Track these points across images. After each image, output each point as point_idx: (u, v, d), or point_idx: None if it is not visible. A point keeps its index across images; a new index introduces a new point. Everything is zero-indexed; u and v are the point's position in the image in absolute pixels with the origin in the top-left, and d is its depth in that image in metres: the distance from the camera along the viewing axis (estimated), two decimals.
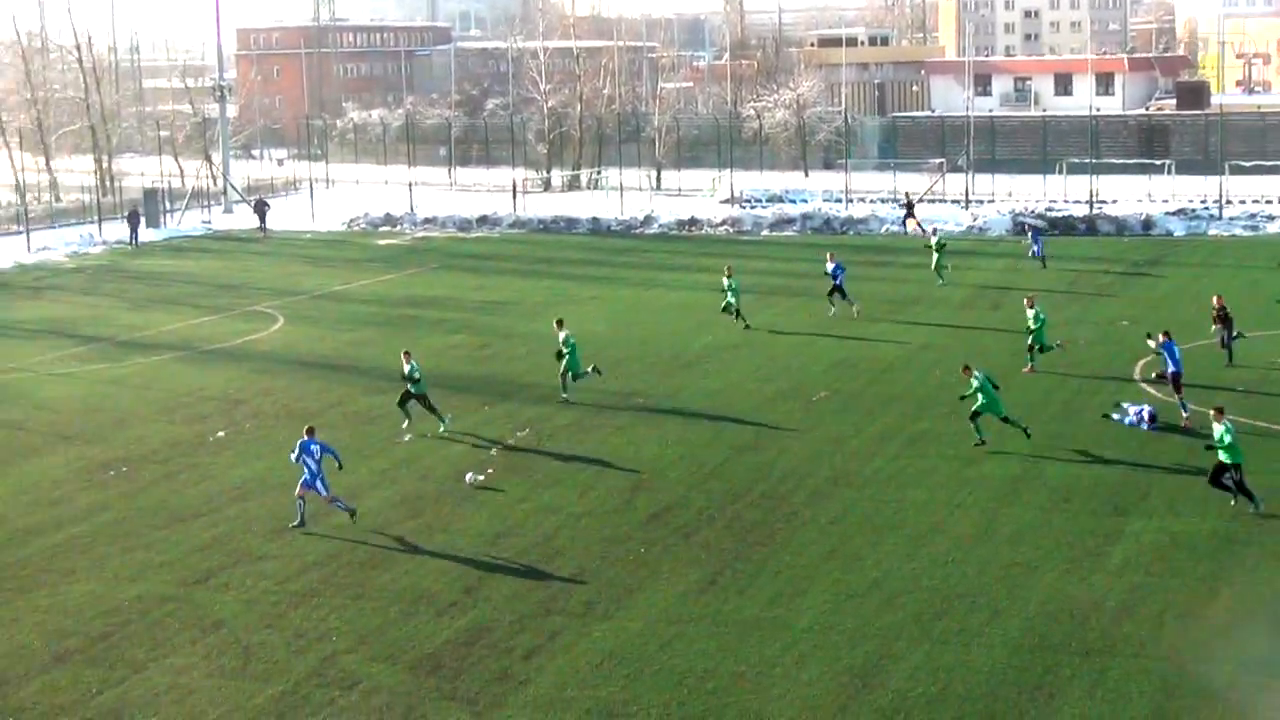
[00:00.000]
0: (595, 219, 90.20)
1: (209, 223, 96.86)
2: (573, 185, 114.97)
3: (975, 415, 36.66)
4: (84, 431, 40.80)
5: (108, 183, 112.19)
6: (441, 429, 39.38)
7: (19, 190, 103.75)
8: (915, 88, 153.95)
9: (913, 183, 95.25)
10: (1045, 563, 28.67)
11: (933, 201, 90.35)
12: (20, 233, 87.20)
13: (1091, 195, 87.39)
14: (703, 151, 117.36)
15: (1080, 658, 24.28)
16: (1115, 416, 38.87)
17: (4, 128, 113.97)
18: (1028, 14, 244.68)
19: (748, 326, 53.20)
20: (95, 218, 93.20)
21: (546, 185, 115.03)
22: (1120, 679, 23.46)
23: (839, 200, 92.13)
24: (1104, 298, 59.14)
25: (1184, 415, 38.42)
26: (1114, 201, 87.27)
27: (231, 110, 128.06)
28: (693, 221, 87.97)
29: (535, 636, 25.63)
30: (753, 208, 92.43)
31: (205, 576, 28.99)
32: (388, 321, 57.38)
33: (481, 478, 34.79)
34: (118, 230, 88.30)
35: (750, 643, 25.15)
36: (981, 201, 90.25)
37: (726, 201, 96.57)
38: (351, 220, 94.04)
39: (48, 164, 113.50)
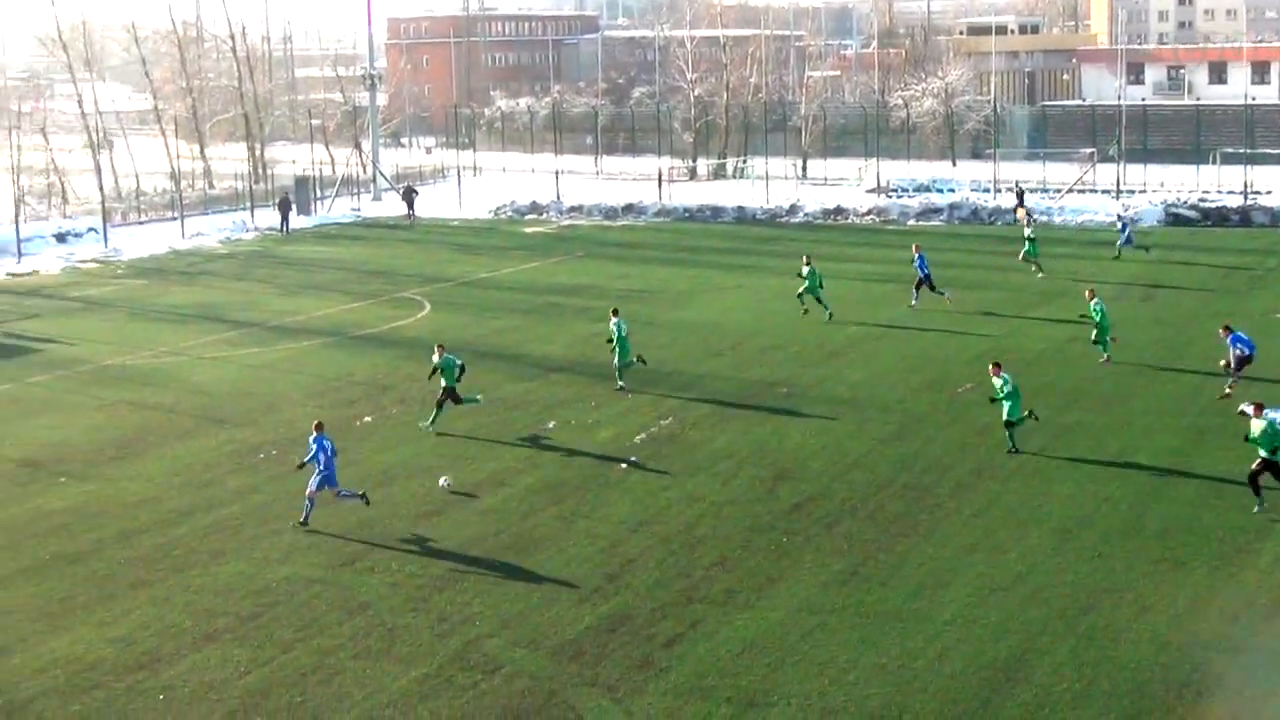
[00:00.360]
0: (740, 208, 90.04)
1: (358, 210, 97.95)
2: (718, 174, 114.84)
3: (1011, 424, 35.85)
4: (234, 415, 41.47)
5: (260, 170, 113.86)
6: (424, 425, 39.09)
7: (174, 178, 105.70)
8: (1066, 76, 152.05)
9: (1062, 173, 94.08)
10: (1194, 559, 28.22)
11: (1083, 192, 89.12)
12: (175, 219, 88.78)
13: (1246, 186, 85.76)
14: (849, 140, 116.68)
15: (1229, 656, 23.88)
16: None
17: (160, 116, 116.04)
18: (1182, 1, 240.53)
19: (831, 317, 53.06)
20: (247, 205, 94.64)
21: (692, 174, 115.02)
22: (1271, 678, 23.03)
23: (986, 190, 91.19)
24: (1258, 291, 58.06)
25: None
26: (1268, 192, 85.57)
27: (381, 99, 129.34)
28: (838, 210, 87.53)
29: (676, 624, 25.67)
30: (899, 197, 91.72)
31: (352, 559, 29.36)
32: (532, 309, 57.70)
33: (452, 482, 33.90)
34: (269, 217, 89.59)
35: (892, 634, 25.01)
36: (1133, 192, 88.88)
37: (872, 191, 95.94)
38: (498, 208, 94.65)
39: (202, 152, 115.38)
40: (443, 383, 38.88)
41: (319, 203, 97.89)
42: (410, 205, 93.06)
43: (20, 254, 75.61)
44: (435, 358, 39.27)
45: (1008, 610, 25.91)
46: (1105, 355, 45.01)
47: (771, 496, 32.92)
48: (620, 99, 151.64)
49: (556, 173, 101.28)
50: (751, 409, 40.73)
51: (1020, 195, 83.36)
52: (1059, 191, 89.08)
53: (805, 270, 53.74)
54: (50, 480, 35.39)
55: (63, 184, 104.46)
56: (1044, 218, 75.84)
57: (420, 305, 59.03)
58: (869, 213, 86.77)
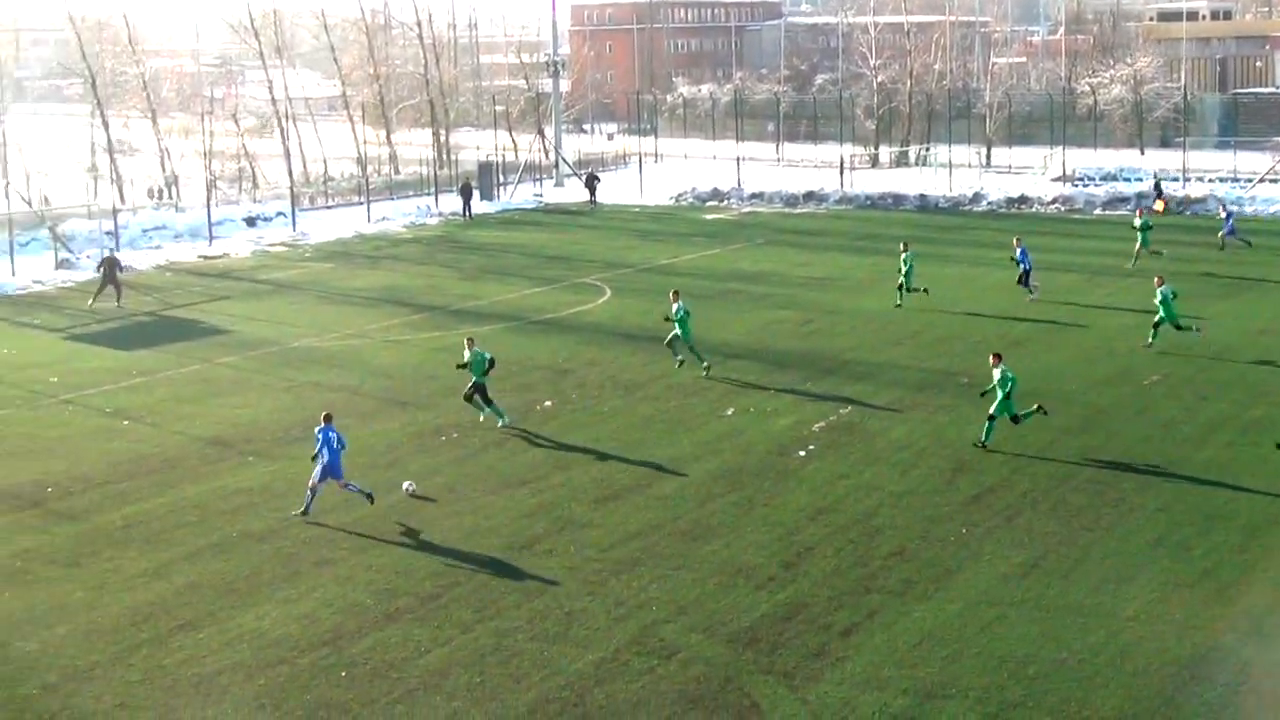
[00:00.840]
0: (923, 196, 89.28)
1: (540, 196, 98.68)
2: (900, 161, 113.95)
3: (999, 416, 35.25)
4: (417, 397, 42.01)
5: (444, 156, 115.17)
6: (484, 417, 38.85)
7: (360, 163, 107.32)
8: (1259, 63, 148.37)
9: (1254, 162, 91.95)
10: None
11: (1275, 181, 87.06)
12: (361, 204, 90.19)
13: None
14: (1034, 128, 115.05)
15: None
16: None
17: (348, 102, 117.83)
18: None
19: (899, 305, 53.52)
20: (431, 190, 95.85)
21: (874, 161, 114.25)
22: None
23: (1175, 179, 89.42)
24: None
25: None
26: None
27: (564, 85, 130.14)
28: (1023, 199, 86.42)
29: (853, 614, 25.55)
30: (1085, 186, 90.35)
31: (531, 542, 29.61)
32: (713, 295, 57.68)
33: (415, 486, 33.27)
34: (452, 202, 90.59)
35: (1073, 629, 24.66)
36: None
37: (1058, 179, 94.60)
38: (679, 194, 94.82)
39: (388, 137, 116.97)
40: (472, 378, 38.51)
41: (501, 188, 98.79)
42: (593, 191, 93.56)
43: (211, 237, 77.27)
44: (466, 354, 38.84)
45: (1192, 608, 25.42)
46: (1150, 341, 45.32)
47: (951, 487, 32.62)
48: (802, 86, 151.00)
49: (738, 159, 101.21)
50: (931, 398, 40.39)
51: (1158, 186, 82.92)
52: (1250, 182, 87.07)
53: (904, 256, 54.12)
54: (238, 459, 36.14)
55: (253, 169, 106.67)
56: (1235, 208, 74.11)
57: (601, 291, 59.34)
58: (1054, 202, 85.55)
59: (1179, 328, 45.23)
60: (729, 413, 39.45)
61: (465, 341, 39.35)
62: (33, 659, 24.52)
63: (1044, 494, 31.92)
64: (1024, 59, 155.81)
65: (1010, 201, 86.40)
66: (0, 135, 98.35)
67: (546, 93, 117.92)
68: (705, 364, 43.47)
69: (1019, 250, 54.94)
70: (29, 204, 77.95)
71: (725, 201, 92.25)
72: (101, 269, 59.31)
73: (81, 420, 39.97)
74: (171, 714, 22.41)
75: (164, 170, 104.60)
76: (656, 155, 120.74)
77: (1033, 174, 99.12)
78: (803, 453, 35.34)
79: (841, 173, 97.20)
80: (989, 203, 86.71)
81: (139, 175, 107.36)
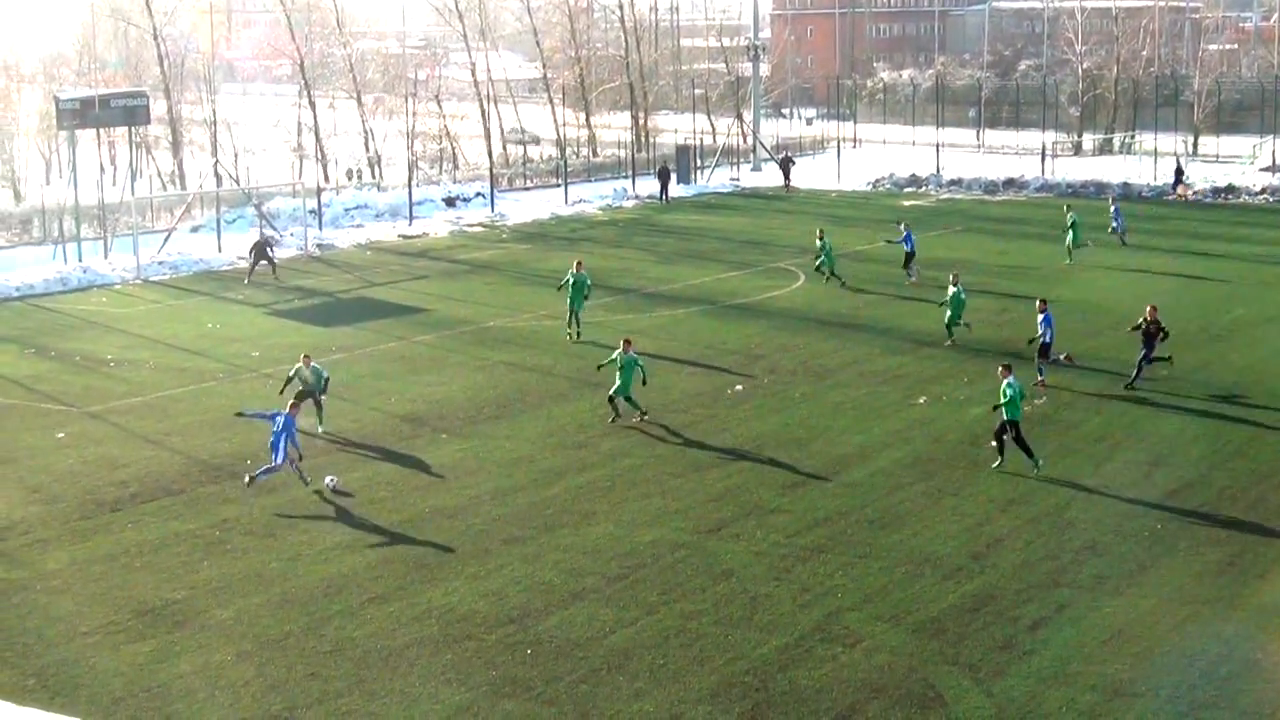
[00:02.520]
0: (1126, 184, 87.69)
1: (737, 180, 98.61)
2: (1104, 149, 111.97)
3: (1003, 431, 32.91)
4: (608, 380, 42.15)
5: (642, 139, 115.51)
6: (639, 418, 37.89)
7: (560, 145, 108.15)
8: None
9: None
10: None
11: None
12: (558, 185, 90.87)
13: None
14: (1244, 117, 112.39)
15: None
16: None
17: (549, 85, 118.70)
18: None
19: (844, 284, 56.01)
20: (629, 173, 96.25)
21: (1077, 149, 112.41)
22: None
23: None
24: None
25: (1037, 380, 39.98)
26: None
27: (764, 69, 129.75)
28: (1230, 189, 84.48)
29: (1042, 608, 25.21)
30: None
31: (718, 526, 29.65)
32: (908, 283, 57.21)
33: (339, 481, 32.67)
34: (649, 185, 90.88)
35: (1269, 630, 24.10)
36: None
37: (1267, 169, 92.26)
38: (876, 180, 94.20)
39: (587, 120, 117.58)
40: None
41: (699, 172, 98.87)
42: (786, 175, 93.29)
43: (411, 217, 78.37)
44: (615, 354, 37.68)
45: None
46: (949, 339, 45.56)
47: (1147, 481, 32.04)
48: (1005, 72, 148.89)
49: (937, 145, 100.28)
50: (1128, 391, 39.66)
51: (1179, 172, 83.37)
52: None
53: (819, 244, 57.17)
54: (432, 436, 36.65)
55: (454, 149, 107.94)
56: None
57: (795, 276, 59.16)
58: (1263, 192, 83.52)
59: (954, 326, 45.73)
60: (921, 401, 39.15)
61: (623, 342, 37.91)
62: (228, 626, 25.11)
63: (1242, 491, 31.23)
64: (1235, 46, 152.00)
65: (1217, 191, 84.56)
66: (210, 114, 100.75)
67: (746, 77, 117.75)
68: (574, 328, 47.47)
69: (904, 233, 57.41)
70: (236, 182, 79.68)
71: (923, 188, 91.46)
72: (252, 252, 60.90)
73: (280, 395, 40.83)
74: (361, 685, 22.82)
75: (367, 150, 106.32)
76: (855, 140, 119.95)
77: (1241, 164, 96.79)
78: (994, 443, 34.91)
79: (1043, 160, 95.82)
80: (1194, 192, 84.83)
81: (343, 155, 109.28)
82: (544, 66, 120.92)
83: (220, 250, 67.70)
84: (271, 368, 43.74)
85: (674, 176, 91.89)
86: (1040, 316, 40.73)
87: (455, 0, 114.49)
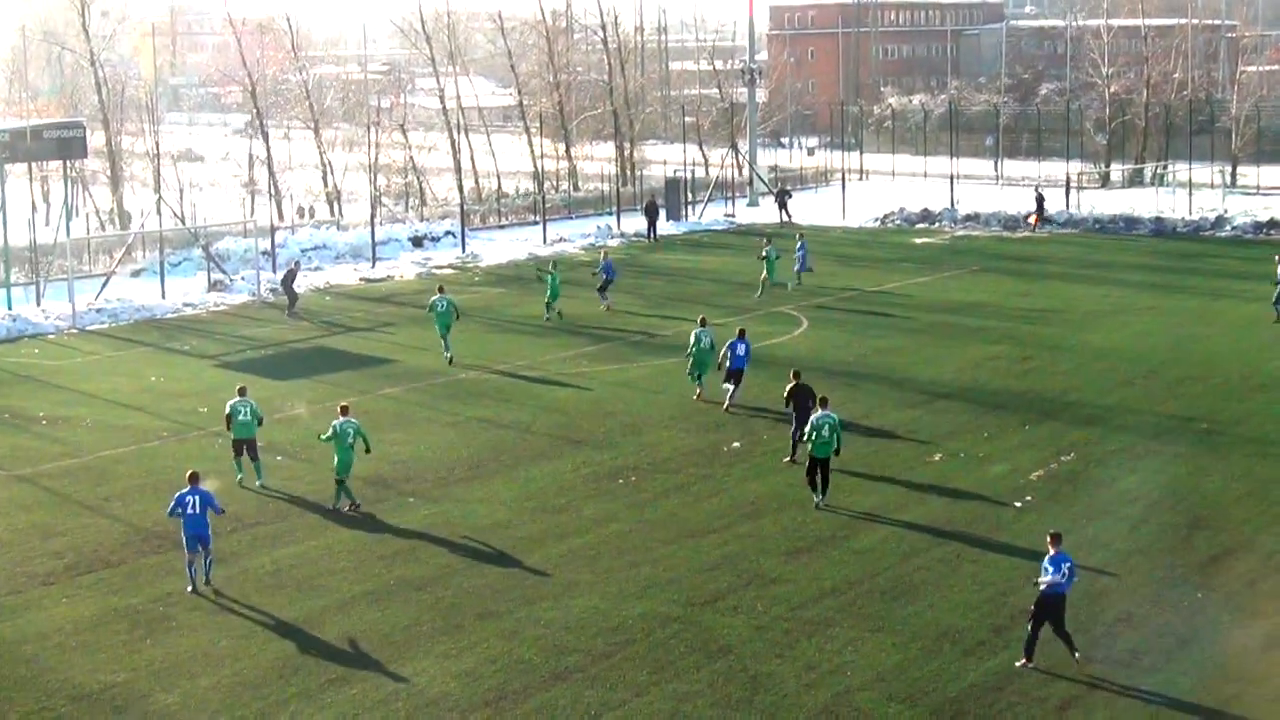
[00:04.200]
0: (1159, 219, 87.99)
1: (732, 216, 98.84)
2: (1134, 181, 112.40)
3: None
4: (593, 436, 42.20)
5: (628, 171, 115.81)
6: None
7: (537, 178, 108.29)
8: None
9: None
10: None
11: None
12: (536, 223, 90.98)
13: None
14: None
15: None
16: None
17: (525, 112, 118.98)
18: None
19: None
20: (613, 209, 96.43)
21: (1104, 180, 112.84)
22: None
23: None
24: None
25: None
26: None
27: (761, 95, 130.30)
28: (1272, 224, 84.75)
29: (1071, 686, 25.15)
30: None
31: (714, 598, 29.56)
32: (920, 328, 57.31)
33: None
34: (636, 222, 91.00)
35: None
36: None
37: None
38: (885, 216, 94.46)
39: (567, 151, 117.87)
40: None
41: (690, 207, 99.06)
42: (783, 208, 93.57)
43: (375, 258, 78.42)
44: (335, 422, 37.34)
45: None
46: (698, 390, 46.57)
47: (1186, 546, 32.02)
48: (1025, 96, 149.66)
49: (951, 177, 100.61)
50: (1165, 446, 39.71)
51: (1040, 201, 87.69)
52: None
53: (766, 251, 63.78)
54: (398, 500, 36.56)
55: (421, 184, 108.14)
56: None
57: (797, 321, 59.23)
58: None
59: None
60: (936, 458, 39.13)
61: (339, 410, 36.89)
62: (173, 713, 24.98)
63: None
64: (1276, 67, 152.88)
65: (1258, 226, 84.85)
66: (153, 146, 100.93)
67: (741, 103, 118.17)
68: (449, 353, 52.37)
69: (603, 263, 63.18)
70: (181, 221, 79.77)
71: (936, 224, 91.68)
72: (283, 284, 63.52)
73: (230, 456, 40.69)
74: None
75: (326, 185, 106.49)
76: (861, 172, 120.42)
77: None
78: (1018, 504, 34.91)
79: (1067, 193, 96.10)
80: (1234, 227, 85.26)
81: (299, 190, 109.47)
82: (519, 93, 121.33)
83: (164, 296, 67.66)
84: (221, 425, 43.58)
85: (663, 213, 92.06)
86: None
87: (422, 20, 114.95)
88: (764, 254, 65.96)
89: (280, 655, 27.19)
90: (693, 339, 46.64)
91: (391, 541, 33.46)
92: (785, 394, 39.56)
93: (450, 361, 52.25)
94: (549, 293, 60.70)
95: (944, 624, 27.89)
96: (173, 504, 30.70)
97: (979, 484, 36.83)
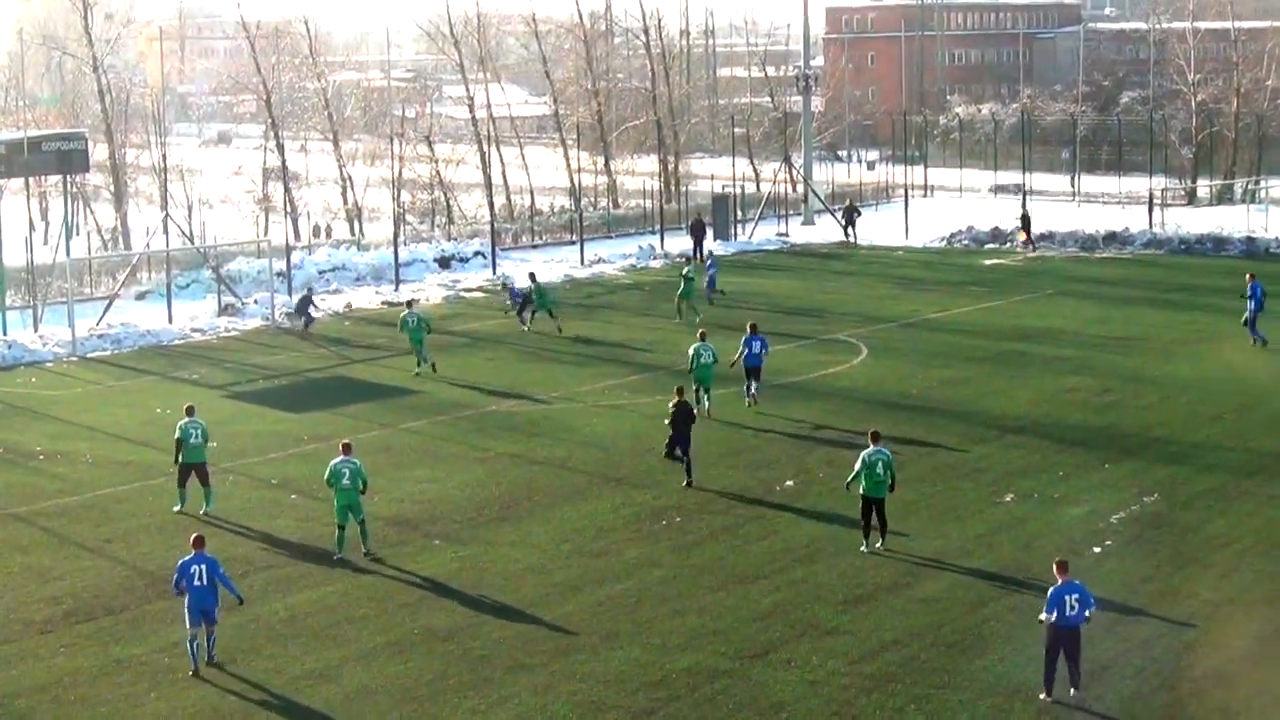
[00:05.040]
0: (1250, 239, 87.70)
1: (785, 235, 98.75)
2: (1223, 197, 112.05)
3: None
4: (634, 473, 42.17)
5: (672, 187, 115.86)
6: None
7: (574, 194, 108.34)
8: None
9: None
10: None
11: None
12: (573, 243, 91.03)
13: None
14: None
15: None
16: None
17: (561, 123, 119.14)
18: None
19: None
20: (656, 227, 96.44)
21: (1190, 197, 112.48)
22: None
23: None
24: None
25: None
26: None
27: (817, 103, 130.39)
28: None
29: None
30: None
31: (765, 650, 29.50)
32: (990, 357, 57.19)
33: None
34: (681, 242, 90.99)
35: None
36: None
37: None
38: (952, 235, 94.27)
39: (606, 165, 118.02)
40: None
41: (739, 226, 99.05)
42: (850, 225, 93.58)
43: (398, 280, 78.56)
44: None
45: None
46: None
47: None
48: (1104, 105, 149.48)
49: (1024, 194, 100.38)
50: (1262, 487, 39.51)
51: (1025, 220, 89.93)
52: None
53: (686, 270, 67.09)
54: (423, 543, 36.58)
55: (448, 201, 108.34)
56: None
57: (856, 349, 59.15)
58: None
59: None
60: (1008, 499, 39.00)
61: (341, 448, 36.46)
62: None
63: None
64: None
65: None
66: (160, 159, 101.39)
67: (796, 112, 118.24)
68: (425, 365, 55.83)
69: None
70: (190, 240, 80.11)
71: (1008, 244, 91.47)
72: (298, 308, 65.25)
73: (243, 493, 40.80)
74: None
75: (345, 202, 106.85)
76: (926, 188, 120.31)
77: None
78: (1097, 549, 34.78)
79: (1150, 210, 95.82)
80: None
81: (316, 207, 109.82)
82: (555, 102, 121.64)
83: (171, 321, 67.98)
84: (231, 461, 43.78)
85: (710, 232, 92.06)
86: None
87: (450, 23, 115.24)
88: (684, 273, 68.13)
89: (295, 710, 27.20)
90: (692, 354, 48.32)
91: (415, 588, 33.47)
92: (669, 411, 41.57)
93: (420, 370, 55.79)
94: (539, 300, 64.84)
95: (1016, 680, 27.78)
96: (176, 575, 29.25)
97: (1054, 527, 36.69)
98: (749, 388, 49.73)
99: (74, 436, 47.95)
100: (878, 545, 34.79)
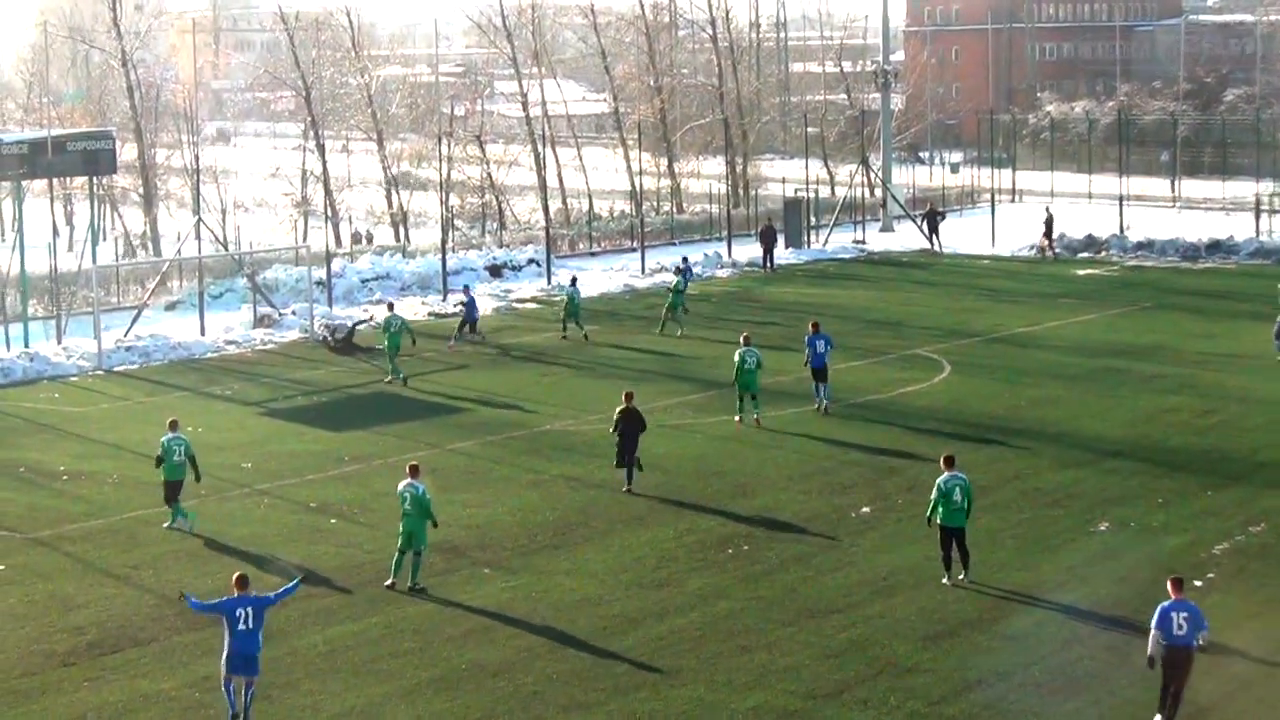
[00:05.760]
0: None
1: (862, 243, 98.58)
2: None
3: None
4: (698, 498, 42.12)
5: (740, 191, 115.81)
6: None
7: (635, 198, 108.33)
8: None
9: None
10: None
11: None
12: (633, 250, 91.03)
13: None
14: None
15: None
16: None
17: (621, 122, 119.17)
18: None
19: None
20: (723, 234, 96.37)
21: None
22: None
23: None
24: None
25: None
26: None
27: (896, 101, 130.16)
28: None
29: None
30: None
31: (838, 689, 29.45)
32: (1084, 375, 56.96)
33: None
34: (749, 250, 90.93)
35: None
36: None
37: None
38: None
39: (669, 167, 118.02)
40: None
41: (813, 233, 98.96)
42: (934, 231, 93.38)
43: (446, 290, 78.61)
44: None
45: None
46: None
47: None
48: (1207, 103, 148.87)
49: (1120, 198, 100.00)
50: None
51: (932, 216, 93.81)
52: None
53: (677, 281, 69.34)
54: (471, 571, 36.62)
55: (500, 205, 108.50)
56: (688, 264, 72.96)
57: (938, 366, 59.02)
58: None
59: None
60: (1102, 528, 38.85)
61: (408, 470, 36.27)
62: None
63: None
64: None
65: None
66: (192, 160, 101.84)
67: (874, 111, 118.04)
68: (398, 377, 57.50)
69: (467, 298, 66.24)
70: (224, 246, 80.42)
71: (1103, 253, 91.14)
72: (338, 338, 65.96)
73: (279, 517, 40.94)
74: None
75: (390, 206, 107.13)
76: (1014, 192, 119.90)
77: None
78: (1199, 583, 34.58)
79: (1257, 217, 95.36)
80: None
81: (359, 211, 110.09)
82: (614, 99, 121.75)
83: (203, 333, 68.28)
84: (266, 483, 43.96)
85: (781, 239, 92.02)
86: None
87: (503, 15, 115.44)
88: (673, 286, 69.17)
89: None
90: (737, 360, 49.19)
91: (463, 619, 33.51)
92: (614, 419, 43.01)
93: (390, 381, 57.88)
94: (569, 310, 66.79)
95: None
96: (212, 604, 28.68)
97: (1152, 559, 36.51)
98: (818, 390, 50.86)
99: (99, 456, 48.20)
100: (960, 578, 34.69)
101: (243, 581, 28.31)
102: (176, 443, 39.54)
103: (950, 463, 35.29)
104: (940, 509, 34.68)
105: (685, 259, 79.10)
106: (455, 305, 69.09)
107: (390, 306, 61.12)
